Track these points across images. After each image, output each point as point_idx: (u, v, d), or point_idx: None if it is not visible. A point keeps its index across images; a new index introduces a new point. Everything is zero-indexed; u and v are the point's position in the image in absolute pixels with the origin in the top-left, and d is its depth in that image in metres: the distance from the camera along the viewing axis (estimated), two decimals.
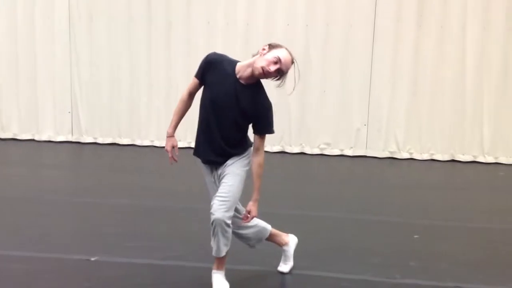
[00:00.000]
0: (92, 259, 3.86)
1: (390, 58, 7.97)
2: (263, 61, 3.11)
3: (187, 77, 8.27)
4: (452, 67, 7.96)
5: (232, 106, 3.20)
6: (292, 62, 3.21)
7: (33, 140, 8.76)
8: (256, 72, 3.13)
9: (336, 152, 8.26)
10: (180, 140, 8.21)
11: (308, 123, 8.21)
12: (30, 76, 8.60)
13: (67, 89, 8.58)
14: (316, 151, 8.28)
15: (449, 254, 4.22)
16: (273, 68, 3.12)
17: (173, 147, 3.45)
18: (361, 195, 6.12)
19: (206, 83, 3.27)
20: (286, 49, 3.20)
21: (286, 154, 8.27)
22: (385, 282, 3.62)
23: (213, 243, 3.31)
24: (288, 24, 8.06)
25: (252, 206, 3.35)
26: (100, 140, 8.58)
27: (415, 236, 4.62)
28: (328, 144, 8.26)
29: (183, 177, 6.12)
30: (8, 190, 5.67)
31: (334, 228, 4.82)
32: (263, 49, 3.16)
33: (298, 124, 8.24)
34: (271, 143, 8.29)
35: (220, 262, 3.38)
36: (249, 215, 3.35)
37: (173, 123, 3.43)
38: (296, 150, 8.32)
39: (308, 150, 8.30)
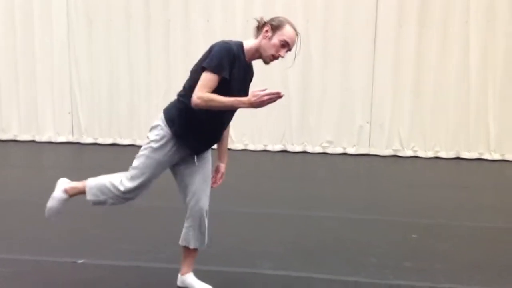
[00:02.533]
0: (79, 261, 3.77)
1: (393, 54, 7.83)
2: (272, 48, 3.00)
3: (186, 76, 8.18)
4: (456, 63, 7.81)
5: (244, 93, 3.05)
6: (297, 35, 3.05)
7: (33, 141, 8.72)
8: (268, 60, 3.05)
9: (339, 150, 8.13)
10: None
11: (310, 121, 8.09)
12: (30, 77, 8.57)
13: (66, 90, 8.54)
14: (318, 149, 8.16)
15: (448, 254, 4.08)
16: (283, 52, 3.02)
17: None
18: (363, 194, 6.00)
19: (228, 79, 2.96)
20: (288, 22, 3.02)
21: (288, 153, 8.16)
22: (377, 283, 3.50)
23: (203, 236, 3.26)
24: None
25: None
26: (100, 141, 8.53)
27: (413, 236, 4.48)
28: (330, 142, 8.13)
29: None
30: (6, 192, 5.61)
31: (331, 228, 4.69)
32: (266, 31, 3.00)
33: (300, 122, 8.12)
34: (273, 141, 8.19)
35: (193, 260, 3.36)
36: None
37: None
38: (298, 148, 8.20)
39: (310, 149, 8.18)
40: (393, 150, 8.05)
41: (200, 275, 3.38)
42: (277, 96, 2.80)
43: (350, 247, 4.21)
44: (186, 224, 3.26)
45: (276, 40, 3.00)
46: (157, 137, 3.03)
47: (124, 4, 8.23)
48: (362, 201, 5.68)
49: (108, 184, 3.10)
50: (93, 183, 3.15)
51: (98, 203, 3.17)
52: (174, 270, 3.49)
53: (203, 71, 2.90)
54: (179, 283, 3.37)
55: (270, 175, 6.98)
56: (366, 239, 4.41)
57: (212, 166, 3.31)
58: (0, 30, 8.53)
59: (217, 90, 2.91)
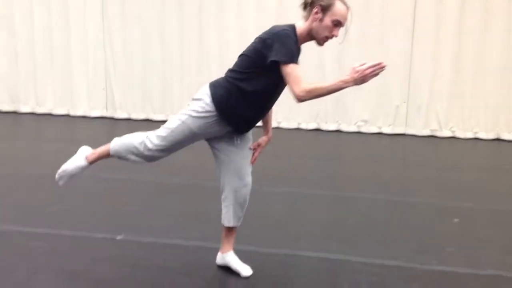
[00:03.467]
0: (118, 237, 3.77)
1: (432, 32, 7.60)
2: (325, 30, 2.87)
3: (218, 53, 8.17)
4: (498, 41, 7.54)
5: None
6: (347, 9, 2.91)
7: (68, 115, 8.78)
8: (322, 42, 2.94)
9: (374, 129, 7.98)
10: None
11: (345, 99, 7.94)
12: (65, 52, 8.59)
13: (101, 65, 8.54)
14: (353, 128, 8.02)
15: (492, 240, 3.96)
16: (337, 32, 2.89)
17: None
18: (399, 176, 5.88)
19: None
20: (341, 2, 2.87)
21: (322, 132, 8.05)
22: (419, 268, 3.41)
23: (242, 214, 3.26)
24: None
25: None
26: (134, 116, 8.53)
27: (455, 220, 4.36)
28: (365, 121, 7.98)
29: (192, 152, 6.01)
30: (41, 166, 5.64)
31: (368, 210, 4.60)
32: (316, 13, 2.85)
33: (334, 100, 7.96)
34: (306, 120, 8.08)
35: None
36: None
37: None
38: (332, 127, 8.07)
39: (344, 128, 8.05)
40: (430, 130, 7.86)
41: (239, 255, 3.33)
42: (379, 68, 2.70)
43: (388, 230, 4.12)
44: (225, 203, 3.22)
45: (328, 21, 2.87)
46: (199, 109, 2.96)
47: None
48: (398, 182, 5.56)
49: (134, 141, 3.05)
50: (118, 142, 3.10)
51: (121, 158, 3.12)
52: (209, 248, 3.46)
53: (277, 65, 2.78)
54: (218, 260, 3.35)
55: (303, 154, 6.89)
56: (404, 222, 4.31)
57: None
58: (36, 7, 8.53)
59: (276, 76, 2.84)
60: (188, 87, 8.23)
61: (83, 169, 3.19)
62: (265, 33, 2.90)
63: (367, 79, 2.71)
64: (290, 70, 2.79)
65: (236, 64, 3.00)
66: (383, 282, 3.24)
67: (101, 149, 3.17)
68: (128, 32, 8.36)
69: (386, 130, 7.94)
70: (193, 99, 3.02)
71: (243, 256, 3.36)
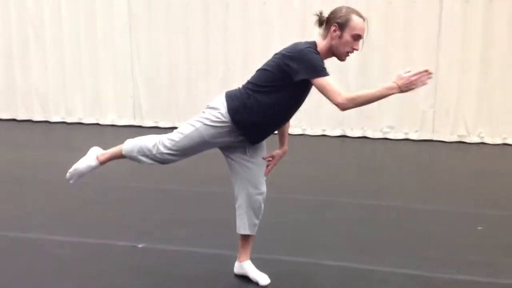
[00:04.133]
0: (139, 246, 3.83)
1: (459, 34, 7.49)
2: (345, 46, 2.92)
3: (243, 60, 8.23)
4: None
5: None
6: (364, 20, 2.96)
7: (97, 124, 8.94)
8: (344, 58, 2.99)
9: (400, 136, 7.91)
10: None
11: (370, 105, 7.79)
12: (93, 62, 8.77)
13: (128, 74, 8.68)
14: (379, 135, 7.96)
15: None
16: (358, 45, 2.95)
17: None
18: (425, 183, 5.82)
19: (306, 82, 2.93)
20: (353, 12, 2.92)
21: (347, 138, 8.01)
22: (439, 277, 3.37)
23: (258, 222, 3.27)
24: (346, 2, 7.72)
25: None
26: (161, 124, 8.64)
27: (479, 228, 4.30)
28: (391, 127, 7.91)
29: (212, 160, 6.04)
30: (59, 174, 5.75)
31: (390, 218, 4.57)
32: (334, 31, 2.90)
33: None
34: (331, 126, 8.05)
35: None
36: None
37: None
38: (357, 134, 8.03)
39: (370, 134, 7.99)
40: (458, 136, 7.75)
41: (258, 263, 3.35)
42: (426, 75, 2.72)
43: (411, 238, 4.08)
44: (239, 211, 3.24)
45: (347, 36, 2.91)
46: (213, 118, 2.99)
47: None
48: (424, 189, 5.51)
49: (148, 143, 3.08)
50: (131, 143, 3.14)
51: (133, 159, 3.16)
52: (229, 256, 3.49)
53: (309, 81, 2.83)
54: (236, 270, 3.37)
55: (328, 161, 6.87)
56: (428, 230, 4.27)
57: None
58: (65, 17, 8.73)
59: (296, 92, 2.91)
60: (214, 94, 8.27)
61: (93, 169, 3.26)
62: (287, 50, 2.92)
63: (412, 86, 2.72)
64: (325, 82, 2.83)
65: (255, 77, 3.03)
66: None
67: (113, 150, 3.22)
68: (154, 41, 8.48)
69: (413, 136, 7.86)
70: (208, 107, 3.06)
71: (262, 264, 3.38)
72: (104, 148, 3.33)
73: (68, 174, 3.28)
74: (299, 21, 7.82)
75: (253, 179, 3.18)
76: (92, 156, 3.25)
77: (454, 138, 7.76)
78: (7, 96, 9.19)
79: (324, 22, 2.97)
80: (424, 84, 2.74)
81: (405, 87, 2.73)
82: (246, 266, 3.33)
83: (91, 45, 8.73)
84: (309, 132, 8.16)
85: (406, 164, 6.81)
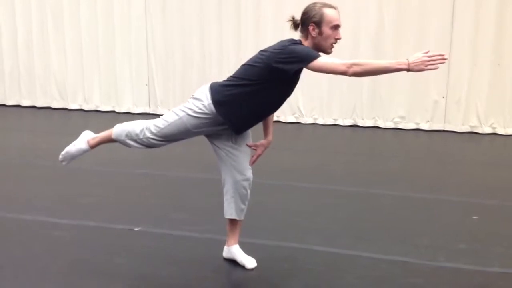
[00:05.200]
0: (136, 229, 3.95)
1: (472, 23, 7.40)
2: (328, 39, 3.00)
3: (256, 48, 8.16)
4: None
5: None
6: (336, 9, 3.04)
7: (113, 111, 9.11)
8: (330, 50, 3.05)
9: (412, 126, 7.87)
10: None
11: (382, 95, 7.88)
12: (110, 50, 8.91)
13: (143, 62, 8.81)
14: (390, 124, 7.94)
15: (509, 238, 3.89)
16: (339, 34, 3.02)
17: None
18: (431, 172, 5.80)
19: (299, 72, 3.04)
20: (324, 6, 3.01)
21: (358, 128, 8.01)
22: (425, 264, 3.41)
23: (245, 207, 3.35)
24: None
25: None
26: None
27: (474, 217, 4.30)
28: (402, 117, 7.89)
29: None
30: (80, 160, 5.90)
31: (388, 206, 4.60)
32: (313, 29, 2.99)
33: (371, 96, 7.93)
34: (342, 116, 8.06)
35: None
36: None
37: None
38: (368, 123, 8.03)
39: (381, 124, 7.98)
40: (470, 126, 7.69)
41: (247, 248, 3.44)
42: (440, 59, 2.73)
43: (405, 226, 4.11)
44: (227, 197, 3.32)
45: (326, 30, 2.99)
46: (196, 109, 3.07)
47: None
48: (429, 179, 5.51)
49: (135, 128, 3.18)
50: (120, 128, 3.24)
51: (122, 143, 3.26)
52: (220, 241, 3.57)
53: (308, 65, 2.87)
54: (224, 254, 3.46)
55: (338, 150, 6.89)
56: (424, 219, 4.29)
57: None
58: (83, 5, 8.89)
59: (285, 79, 2.98)
60: None
61: (84, 152, 3.37)
62: (274, 48, 3.00)
63: (423, 68, 2.71)
64: (322, 61, 2.88)
65: (241, 72, 3.10)
66: (387, 276, 3.27)
67: (103, 134, 3.33)
68: (169, 29, 8.59)
69: (424, 126, 7.82)
70: (193, 97, 3.14)
71: (251, 248, 3.47)
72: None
73: (60, 157, 3.40)
74: None
75: (238, 166, 3.26)
76: (83, 140, 3.36)
77: (466, 129, 7.70)
78: (27, 84, 9.41)
79: (299, 24, 3.07)
80: (435, 67, 2.74)
81: (415, 66, 2.72)
82: (234, 250, 3.41)
83: (108, 33, 8.87)
84: (320, 121, 8.18)
85: (415, 154, 6.80)
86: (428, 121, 7.80)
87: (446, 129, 7.76)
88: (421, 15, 7.56)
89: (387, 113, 7.92)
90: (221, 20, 8.34)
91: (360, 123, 8.05)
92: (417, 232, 3.99)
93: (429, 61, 2.72)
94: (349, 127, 8.04)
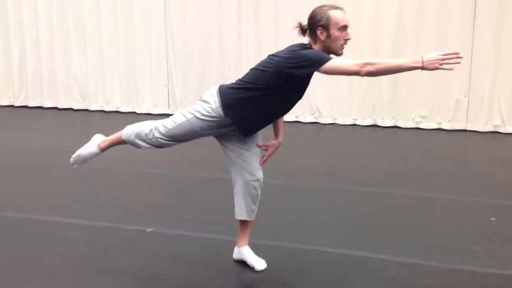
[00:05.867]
0: (148, 230, 3.94)
1: (494, 20, 7.23)
2: (337, 41, 2.97)
3: (275, 49, 8.14)
4: None
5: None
6: (341, 9, 3.03)
7: (134, 112, 9.16)
8: (340, 51, 3.01)
9: (433, 125, 7.72)
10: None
11: (402, 94, 7.75)
12: (130, 51, 8.95)
13: (163, 63, 8.84)
14: (411, 124, 7.81)
15: None
16: (348, 34, 3.01)
17: None
18: (452, 173, 5.68)
19: (310, 77, 3.02)
20: (330, 8, 2.99)
21: (378, 128, 7.89)
22: (438, 267, 3.33)
23: (256, 208, 3.31)
24: None
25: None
26: None
27: (492, 219, 4.19)
28: (423, 117, 7.75)
29: None
30: (93, 161, 5.94)
31: (401, 207, 4.51)
32: (321, 33, 2.96)
33: (391, 95, 7.81)
34: (362, 115, 7.97)
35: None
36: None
37: None
38: (389, 123, 7.90)
39: (401, 124, 7.85)
40: (493, 126, 7.52)
41: (257, 249, 3.41)
42: (455, 58, 2.69)
43: (418, 227, 4.03)
44: (237, 197, 3.30)
45: (335, 32, 2.97)
46: (204, 111, 3.06)
47: None
48: (447, 179, 5.39)
49: (145, 129, 3.19)
50: (130, 129, 3.25)
51: (132, 144, 3.28)
52: (231, 242, 3.53)
53: (320, 68, 2.85)
54: (234, 255, 3.43)
55: (357, 150, 6.79)
56: (439, 220, 4.20)
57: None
58: (103, 7, 8.96)
59: (296, 84, 2.96)
60: None
61: (95, 155, 3.39)
62: (284, 53, 2.97)
63: (438, 66, 2.68)
64: (333, 63, 2.86)
65: (250, 76, 3.08)
66: (399, 278, 3.21)
67: (113, 137, 3.35)
68: (188, 30, 8.60)
69: (446, 126, 7.67)
70: (201, 100, 3.13)
71: (262, 250, 3.44)
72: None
73: (71, 160, 3.42)
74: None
75: (248, 166, 3.23)
76: (94, 143, 3.38)
77: (488, 128, 7.53)
78: (50, 85, 9.52)
79: (307, 30, 3.05)
80: (450, 68, 2.70)
81: (429, 64, 2.69)
82: (244, 252, 3.38)
83: (128, 35, 8.91)
84: (340, 121, 8.09)
85: (435, 154, 6.67)
86: (450, 121, 7.65)
87: (468, 128, 7.60)
88: (442, 12, 7.41)
89: (407, 113, 7.79)
90: (240, 21, 8.32)
91: (380, 123, 7.94)
92: (431, 233, 3.91)
93: (444, 59, 2.69)
94: (369, 127, 7.94)
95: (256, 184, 3.26)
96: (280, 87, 2.98)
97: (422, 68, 2.72)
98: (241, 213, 3.32)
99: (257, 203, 3.32)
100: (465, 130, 7.61)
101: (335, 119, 8.11)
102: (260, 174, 3.27)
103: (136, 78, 9.04)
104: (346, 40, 3.00)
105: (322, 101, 8.09)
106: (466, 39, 7.35)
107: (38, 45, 9.42)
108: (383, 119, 7.92)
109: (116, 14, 8.92)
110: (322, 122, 8.14)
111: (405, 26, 7.57)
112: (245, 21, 8.29)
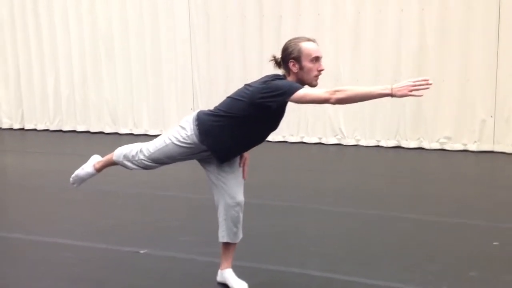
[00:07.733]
0: (141, 251, 3.99)
1: None
2: (310, 72, 3.04)
3: None
4: None
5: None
6: (314, 41, 3.09)
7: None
8: (315, 82, 3.07)
9: (458, 147, 7.51)
10: (292, 135, 8.18)
11: (426, 114, 7.59)
12: (157, 77, 9.18)
13: (189, 86, 9.01)
14: (436, 145, 7.62)
15: None
16: (321, 66, 3.07)
17: None
18: (469, 195, 5.50)
19: (284, 106, 3.09)
20: (302, 41, 3.07)
21: (402, 149, 7.74)
22: None
23: (238, 230, 3.31)
24: (402, 10, 7.53)
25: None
26: None
27: (495, 243, 4.03)
28: (448, 138, 7.55)
29: (258, 170, 6.12)
30: (103, 184, 5.89)
31: (403, 231, 4.40)
32: (294, 65, 3.03)
33: (415, 116, 7.66)
34: (386, 137, 7.84)
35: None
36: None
37: None
38: (413, 144, 7.74)
39: (426, 145, 7.67)
40: None
41: (247, 272, 3.42)
42: (424, 85, 2.71)
43: (415, 252, 3.92)
44: (220, 219, 3.31)
45: (307, 64, 3.02)
46: (181, 138, 3.13)
47: (238, 2, 8.44)
48: (461, 202, 5.22)
49: (132, 151, 3.28)
50: (120, 151, 3.35)
51: (122, 165, 3.36)
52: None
53: (290, 97, 2.90)
54: (218, 278, 3.43)
55: (378, 172, 6.66)
56: (440, 244, 4.07)
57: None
58: (132, 35, 9.23)
59: (269, 114, 3.00)
60: None
61: (91, 175, 3.50)
62: (258, 83, 3.04)
63: (406, 92, 2.71)
64: (303, 92, 2.92)
65: (226, 105, 3.13)
66: None
67: (106, 158, 3.45)
68: (212, 55, 8.75)
69: (472, 147, 7.45)
70: (179, 125, 3.20)
71: (251, 272, 3.46)
72: None
73: (71, 179, 3.55)
74: (351, 31, 7.74)
75: (229, 189, 3.24)
76: (90, 164, 3.50)
77: None
78: (82, 110, 9.83)
79: (281, 62, 3.11)
80: (419, 94, 2.72)
81: (398, 91, 2.72)
82: (226, 274, 3.37)
83: (155, 61, 9.15)
84: (363, 143, 7.98)
85: (458, 176, 6.48)
86: (476, 142, 7.43)
87: (495, 150, 7.36)
88: (465, 31, 7.26)
89: (432, 134, 7.62)
90: (262, 47, 8.35)
91: (404, 144, 7.78)
92: (428, 258, 3.78)
93: (413, 86, 2.70)
94: (393, 149, 7.79)
95: (237, 208, 3.26)
96: (254, 116, 3.02)
97: (391, 95, 2.74)
98: (222, 235, 3.32)
99: (239, 225, 3.31)
100: (492, 152, 7.36)
101: (358, 140, 8.01)
102: (240, 198, 3.27)
103: (163, 102, 9.23)
104: (319, 71, 3.05)
105: (345, 122, 8.02)
106: (491, 58, 7.17)
107: (72, 73, 9.79)
108: (407, 140, 7.76)
109: (144, 42, 9.18)
110: (344, 143, 8.05)
111: (427, 47, 7.44)
112: (266, 48, 8.33)
